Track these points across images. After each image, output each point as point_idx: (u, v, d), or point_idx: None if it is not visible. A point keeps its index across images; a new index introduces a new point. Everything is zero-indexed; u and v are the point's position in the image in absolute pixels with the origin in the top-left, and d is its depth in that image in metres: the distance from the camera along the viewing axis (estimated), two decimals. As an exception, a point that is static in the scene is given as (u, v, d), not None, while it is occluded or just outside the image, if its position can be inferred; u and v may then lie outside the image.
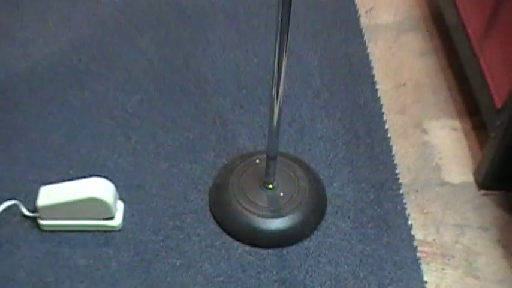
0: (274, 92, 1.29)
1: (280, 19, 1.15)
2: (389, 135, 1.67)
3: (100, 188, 1.42)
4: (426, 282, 1.34)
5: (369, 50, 1.92)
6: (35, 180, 1.54)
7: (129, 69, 1.84)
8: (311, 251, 1.41)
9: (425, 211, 1.50)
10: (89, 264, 1.37)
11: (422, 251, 1.40)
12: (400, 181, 1.54)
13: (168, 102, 1.76)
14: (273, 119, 1.33)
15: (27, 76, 1.82)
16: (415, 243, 1.41)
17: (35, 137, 1.65)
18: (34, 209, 1.46)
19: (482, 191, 1.55)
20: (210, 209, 1.46)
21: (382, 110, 1.74)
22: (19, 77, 1.82)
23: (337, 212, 1.48)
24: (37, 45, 1.91)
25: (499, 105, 1.48)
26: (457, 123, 1.72)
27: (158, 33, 1.97)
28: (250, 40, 1.95)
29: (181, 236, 1.43)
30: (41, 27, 1.97)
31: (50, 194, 1.43)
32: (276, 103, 1.31)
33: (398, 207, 1.48)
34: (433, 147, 1.66)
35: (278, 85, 1.27)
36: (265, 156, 1.45)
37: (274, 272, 1.36)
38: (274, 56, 1.23)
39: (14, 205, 1.47)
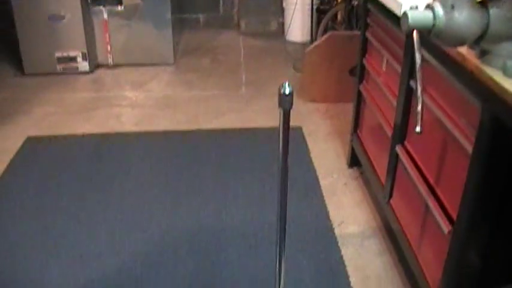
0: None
1: (278, 238, 1.46)
2: None
3: None
4: None
5: (342, 253, 2.18)
6: None
7: (171, 274, 2.11)
8: None
9: None
10: None
11: None
12: None
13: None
14: None
15: (100, 282, 2.08)
16: None
17: None
18: None
19: None
20: None
21: None
22: (94, 282, 2.08)
23: None
24: (107, 257, 2.21)
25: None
26: None
27: (192, 247, 2.25)
28: (257, 250, 2.23)
29: None
30: (110, 244, 2.28)
31: None
32: None
33: None
34: None
35: (279, 282, 1.55)
36: None
37: None
38: (276, 261, 1.52)
39: None
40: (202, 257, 2.20)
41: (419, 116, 1.31)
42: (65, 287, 2.08)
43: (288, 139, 1.32)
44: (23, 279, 2.12)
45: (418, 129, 1.32)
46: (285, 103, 1.28)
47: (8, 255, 2.25)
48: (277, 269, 1.53)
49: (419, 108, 1.30)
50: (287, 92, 1.27)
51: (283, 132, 1.29)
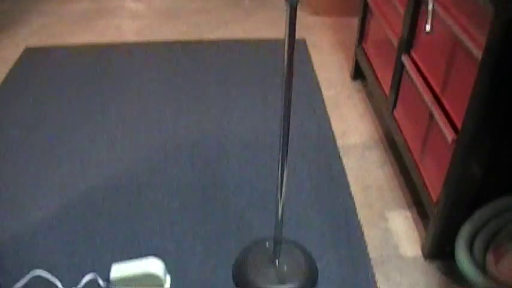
0: (278, 195, 1.54)
1: (281, 145, 1.43)
2: (361, 223, 1.91)
3: (154, 265, 1.66)
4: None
5: (343, 163, 2.19)
6: (108, 258, 1.80)
7: (173, 180, 2.13)
8: (307, 309, 1.66)
9: (388, 277, 1.72)
10: None
11: (386, 306, 1.66)
12: (369, 256, 1.78)
13: (202, 204, 2.02)
14: (278, 214, 1.59)
15: (102, 186, 2.11)
16: (382, 301, 1.67)
17: (108, 229, 1.92)
18: (107, 280, 1.71)
19: (428, 261, 1.77)
20: (233, 281, 1.71)
21: (355, 206, 1.99)
22: (97, 186, 2.11)
23: (325, 281, 1.70)
24: (109, 164, 2.23)
25: (434, 199, 1.74)
26: (408, 213, 1.96)
27: (193, 155, 2.26)
28: (258, 160, 2.23)
29: None
30: (112, 151, 2.30)
31: (119, 270, 1.68)
32: (280, 202, 1.56)
33: (369, 276, 1.71)
34: (392, 231, 1.89)
35: (281, 190, 1.53)
36: (272, 240, 1.71)
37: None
38: (278, 170, 1.48)
39: (93, 277, 1.72)
40: (203, 164, 2.21)
41: (429, 15, 1.26)
42: (65, 192, 2.09)
43: (294, 38, 1.26)
44: (23, 184, 2.14)
45: (428, 28, 1.28)
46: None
47: (9, 162, 2.26)
48: (279, 178, 1.51)
49: (430, 6, 1.25)
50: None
51: (289, 31, 1.23)
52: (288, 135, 1.43)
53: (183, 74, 2.84)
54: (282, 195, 1.55)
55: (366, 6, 2.51)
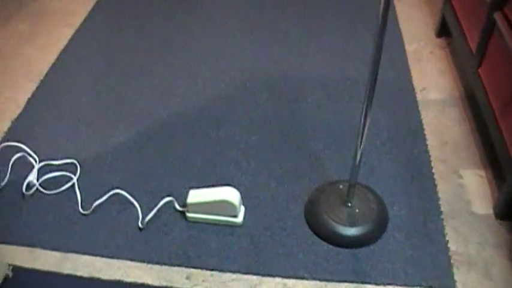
0: (359, 140, 1.56)
1: (367, 91, 1.45)
2: (435, 177, 1.92)
3: (231, 194, 1.72)
4: (456, 281, 1.58)
5: (422, 117, 2.17)
6: (184, 184, 1.88)
7: (251, 117, 2.19)
8: (375, 253, 1.66)
9: (457, 231, 1.73)
10: (219, 247, 1.69)
11: (454, 259, 1.64)
12: (441, 209, 1.80)
13: (278, 141, 2.07)
14: (356, 158, 1.62)
15: (182, 116, 2.19)
16: (450, 253, 1.65)
17: (186, 157, 2.00)
18: (183, 205, 1.78)
19: (499, 221, 1.77)
20: (305, 217, 1.77)
21: (431, 159, 1.99)
22: (177, 116, 2.19)
23: (395, 227, 1.74)
24: (190, 96, 2.30)
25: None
26: (483, 172, 1.95)
27: (272, 94, 2.30)
28: (336, 104, 2.25)
29: (284, 234, 1.73)
30: (193, 84, 2.37)
31: (196, 195, 1.75)
32: (359, 147, 1.59)
33: (439, 228, 1.73)
34: (465, 188, 1.89)
35: (362, 135, 1.55)
36: (346, 183, 1.73)
37: (349, 265, 1.63)
38: (361, 116, 1.50)
39: (170, 201, 1.81)
40: (282, 103, 2.25)
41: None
42: (146, 119, 2.18)
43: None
44: (107, 108, 2.24)
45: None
46: None
47: (94, 87, 2.37)
48: (362, 123, 1.52)
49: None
50: None
51: None
52: (375, 83, 1.43)
53: (265, 13, 2.86)
54: (363, 140, 1.57)
55: (459, -39, 2.44)
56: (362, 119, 1.52)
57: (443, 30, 2.63)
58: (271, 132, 2.11)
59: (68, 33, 2.73)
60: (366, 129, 1.54)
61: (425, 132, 2.10)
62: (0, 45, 2.68)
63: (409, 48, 2.56)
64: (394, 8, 2.89)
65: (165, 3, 2.99)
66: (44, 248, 1.71)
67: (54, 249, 1.71)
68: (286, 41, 2.64)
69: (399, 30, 2.70)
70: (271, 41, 2.64)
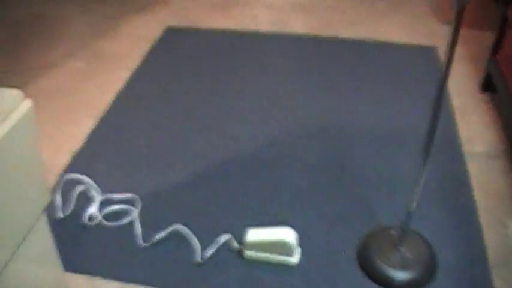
0: (416, 189, 1.66)
1: (427, 143, 1.55)
2: (481, 226, 1.96)
3: (288, 234, 1.80)
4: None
5: (468, 168, 2.24)
6: (240, 223, 1.96)
7: (303, 161, 2.27)
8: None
9: (505, 280, 1.76)
10: (274, 286, 1.75)
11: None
12: (488, 257, 1.83)
13: (329, 186, 2.15)
14: (412, 205, 1.70)
15: (237, 158, 2.29)
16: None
17: (241, 197, 2.09)
18: (240, 243, 1.86)
19: None
20: (357, 260, 1.83)
21: (477, 209, 2.03)
22: (231, 158, 2.29)
23: (443, 273, 1.78)
24: (244, 139, 2.41)
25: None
26: None
27: (324, 140, 2.40)
28: (387, 151, 2.33)
29: (337, 275, 1.79)
30: (246, 128, 2.47)
31: (254, 234, 1.82)
32: (415, 196, 1.68)
33: (487, 275, 1.76)
34: (511, 237, 1.94)
35: (419, 184, 1.64)
36: (398, 228, 1.81)
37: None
38: (421, 166, 1.59)
39: (229, 238, 1.89)
40: (333, 149, 2.34)
41: None
42: (203, 160, 2.28)
43: (457, 40, 1.35)
44: (167, 148, 2.36)
45: None
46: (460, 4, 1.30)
47: (155, 128, 2.49)
48: (421, 172, 1.60)
49: None
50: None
51: (453, 32, 1.31)
52: (434, 135, 1.54)
53: (315, 65, 2.98)
54: (419, 188, 1.66)
55: (504, 20, 2.55)
56: (422, 168, 1.61)
57: (487, 86, 2.71)
58: (323, 176, 2.20)
59: (124, 74, 2.88)
60: (423, 178, 1.63)
61: (472, 182, 2.16)
62: (60, 82, 2.84)
63: (455, 102, 2.65)
64: (440, 62, 2.99)
65: (220, 50, 3.14)
66: (104, 277, 1.81)
67: (114, 278, 1.80)
68: (337, 90, 2.75)
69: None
70: (322, 89, 2.76)
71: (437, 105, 1.49)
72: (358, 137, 2.42)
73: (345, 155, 2.31)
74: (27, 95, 1.22)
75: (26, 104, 1.16)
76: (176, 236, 1.93)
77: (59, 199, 2.07)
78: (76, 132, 2.46)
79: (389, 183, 2.16)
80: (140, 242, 1.90)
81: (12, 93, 1.14)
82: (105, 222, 1.99)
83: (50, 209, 2.01)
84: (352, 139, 2.40)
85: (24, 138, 1.16)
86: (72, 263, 1.84)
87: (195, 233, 1.92)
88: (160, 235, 1.92)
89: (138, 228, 1.95)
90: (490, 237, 1.93)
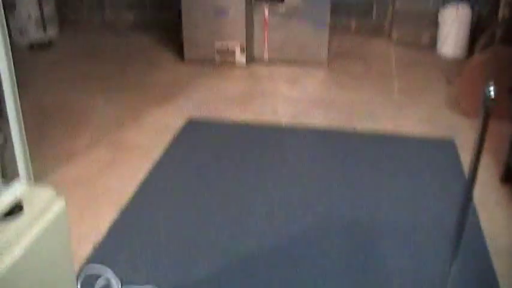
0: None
1: (455, 241, 1.59)
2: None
3: None
4: None
5: (493, 264, 2.21)
6: None
7: (327, 258, 2.27)
8: None
9: None
10: None
11: None
12: None
13: (353, 285, 2.15)
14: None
15: (259, 254, 2.29)
16: None
17: None
18: None
19: None
20: None
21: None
22: (253, 253, 2.29)
23: None
24: (266, 235, 2.41)
25: None
26: None
27: (346, 237, 2.41)
28: (410, 248, 2.32)
29: None
30: (268, 224, 2.48)
31: None
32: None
33: None
34: None
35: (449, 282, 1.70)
36: None
37: None
38: (449, 264, 1.63)
39: None
40: (355, 246, 2.33)
41: None
42: (225, 255, 2.28)
43: (484, 141, 1.37)
44: (188, 242, 2.36)
45: None
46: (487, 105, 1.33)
47: (176, 222, 2.50)
48: (449, 270, 1.62)
49: None
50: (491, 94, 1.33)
51: (480, 133, 1.34)
52: (463, 231, 1.58)
53: (336, 160, 3.02)
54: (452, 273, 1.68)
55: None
56: (449, 266, 1.62)
57: (508, 177, 2.72)
58: (347, 274, 2.18)
59: (146, 165, 2.93)
60: (452, 276, 1.61)
61: (498, 279, 2.13)
62: (83, 172, 2.89)
63: (476, 194, 2.64)
64: (458, 155, 3.02)
65: (241, 143, 3.20)
66: None
67: None
68: (358, 185, 2.77)
69: (464, 176, 2.80)
70: (342, 184, 2.78)
71: (464, 212, 1.50)
72: (380, 232, 2.41)
73: (368, 252, 2.29)
74: (50, 183, 1.25)
75: (60, 204, 1.18)
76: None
77: (80, 291, 2.07)
78: (98, 223, 2.48)
79: (413, 281, 2.14)
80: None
81: (46, 193, 1.17)
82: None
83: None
84: (375, 235, 2.39)
85: (57, 237, 1.18)
86: None
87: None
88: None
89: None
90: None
